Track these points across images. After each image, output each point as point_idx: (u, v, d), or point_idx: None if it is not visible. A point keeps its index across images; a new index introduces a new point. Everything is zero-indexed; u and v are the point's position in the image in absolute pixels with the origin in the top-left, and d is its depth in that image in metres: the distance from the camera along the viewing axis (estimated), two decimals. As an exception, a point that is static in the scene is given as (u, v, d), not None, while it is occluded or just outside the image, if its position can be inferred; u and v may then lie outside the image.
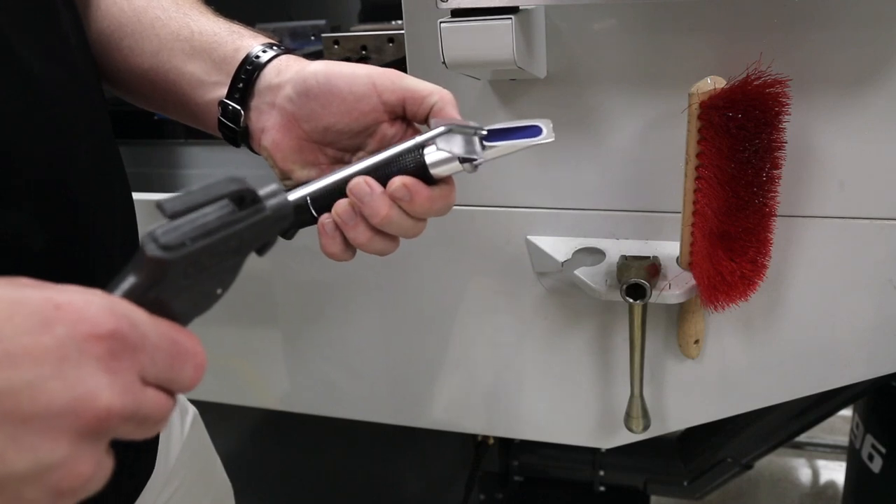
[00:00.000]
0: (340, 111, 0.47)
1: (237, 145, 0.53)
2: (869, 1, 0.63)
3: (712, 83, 0.63)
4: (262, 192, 0.36)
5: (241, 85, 0.50)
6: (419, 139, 0.45)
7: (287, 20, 1.28)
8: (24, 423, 0.28)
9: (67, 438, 0.28)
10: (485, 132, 0.45)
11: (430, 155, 0.45)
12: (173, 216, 0.33)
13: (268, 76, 0.50)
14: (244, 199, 0.35)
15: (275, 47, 0.51)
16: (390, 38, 0.99)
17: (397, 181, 0.44)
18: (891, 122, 0.67)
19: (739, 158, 0.63)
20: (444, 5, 0.63)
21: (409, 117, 0.48)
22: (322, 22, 1.28)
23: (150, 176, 1.10)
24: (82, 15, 0.54)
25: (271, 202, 0.36)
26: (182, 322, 0.34)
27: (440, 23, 0.64)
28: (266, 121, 0.50)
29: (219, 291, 0.36)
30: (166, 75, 0.53)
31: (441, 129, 0.44)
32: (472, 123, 0.45)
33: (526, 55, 0.66)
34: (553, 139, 0.45)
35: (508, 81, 0.75)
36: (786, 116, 0.63)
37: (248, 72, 0.50)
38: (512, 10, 0.63)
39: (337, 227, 0.46)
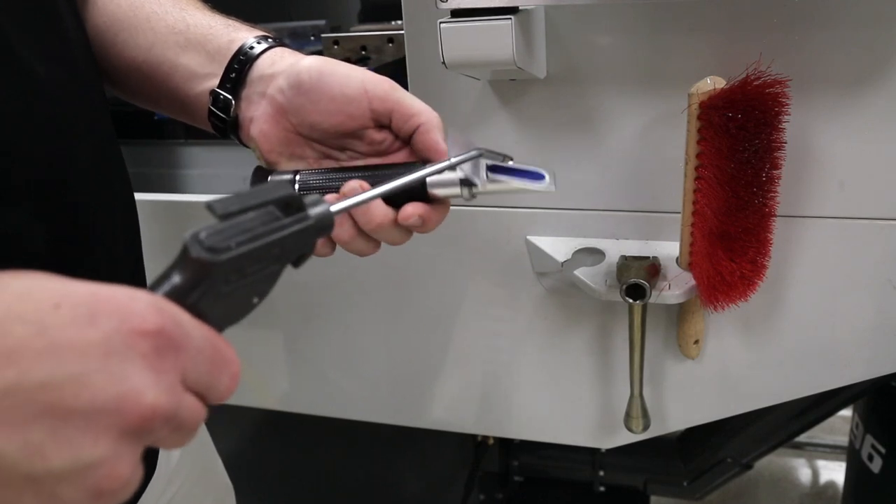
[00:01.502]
0: (329, 110, 0.47)
1: (226, 137, 0.53)
2: (869, 1, 0.64)
3: (712, 83, 0.63)
4: (305, 200, 0.36)
5: (233, 75, 0.50)
6: (448, 163, 0.45)
7: (287, 20, 1.28)
8: (65, 419, 0.26)
9: (110, 436, 0.27)
10: (511, 161, 0.46)
11: (429, 175, 0.45)
12: (224, 217, 0.33)
13: (261, 66, 0.50)
14: (290, 205, 0.35)
15: (269, 39, 0.51)
16: (390, 39, 0.99)
17: (409, 210, 0.45)
18: (891, 122, 0.67)
19: (739, 158, 0.63)
20: (443, 5, 0.63)
21: (393, 130, 0.48)
22: (322, 22, 1.28)
23: (149, 176, 1.10)
24: (80, 12, 0.54)
25: (314, 211, 0.36)
26: (217, 329, 0.34)
27: (440, 23, 0.64)
28: (255, 110, 0.50)
29: (255, 301, 0.35)
30: (159, 68, 0.53)
31: (473, 152, 0.45)
32: (477, 179, 0.46)
33: (526, 55, 0.66)
34: (554, 190, 0.46)
35: (508, 81, 0.75)
36: (786, 116, 0.63)
37: (242, 62, 0.50)
38: (512, 11, 0.63)
39: None
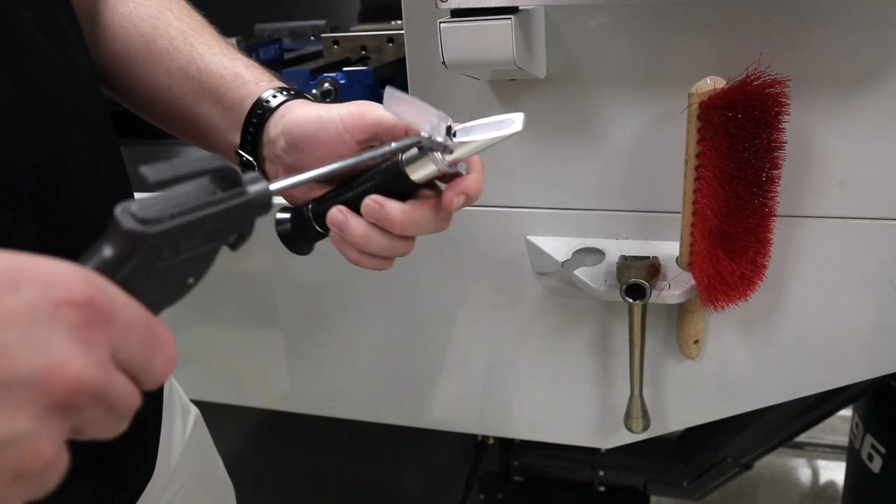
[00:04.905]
0: (322, 156, 0.48)
1: None
2: (869, 1, 0.64)
3: (712, 83, 0.63)
4: (244, 177, 0.35)
5: (249, 137, 0.52)
6: (387, 148, 0.45)
7: (287, 20, 1.28)
8: None
9: (31, 410, 0.25)
10: (454, 140, 0.45)
11: (406, 157, 0.45)
12: (157, 185, 0.31)
13: (269, 129, 0.51)
14: (227, 178, 0.34)
15: (276, 95, 0.52)
16: (390, 38, 0.99)
17: (367, 200, 0.45)
18: (891, 122, 0.67)
19: (739, 158, 0.63)
20: (443, 5, 0.63)
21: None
22: (322, 22, 1.28)
23: (150, 176, 1.10)
24: (90, 30, 0.55)
25: (253, 188, 0.35)
26: (152, 310, 0.32)
27: (440, 23, 0.64)
28: (276, 169, 0.52)
29: (191, 281, 0.34)
30: (182, 112, 0.54)
31: (414, 138, 0.44)
32: (440, 137, 0.44)
33: (526, 55, 0.66)
34: (522, 129, 0.44)
35: (508, 81, 0.75)
36: (786, 116, 0.63)
37: (255, 125, 0.51)
38: (512, 10, 0.63)
39: None
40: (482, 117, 0.46)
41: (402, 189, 0.46)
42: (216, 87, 0.53)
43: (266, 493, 1.32)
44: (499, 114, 0.46)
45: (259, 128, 0.51)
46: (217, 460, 0.74)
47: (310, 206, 0.49)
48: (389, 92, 0.42)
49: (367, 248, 0.47)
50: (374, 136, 0.48)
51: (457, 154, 0.45)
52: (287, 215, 0.51)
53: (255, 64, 0.55)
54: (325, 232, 0.49)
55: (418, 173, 0.45)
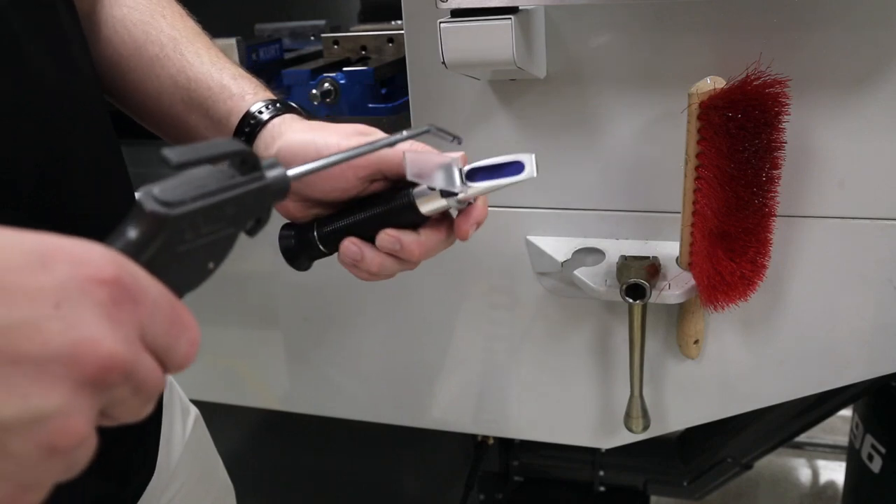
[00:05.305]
0: (323, 190, 0.48)
1: None
2: (869, 1, 0.64)
3: (712, 83, 0.63)
4: (262, 161, 0.36)
5: None
6: (391, 138, 0.45)
7: (287, 20, 1.28)
8: (15, 365, 0.25)
9: (64, 386, 0.26)
10: (460, 141, 0.45)
11: (417, 192, 0.46)
12: (178, 167, 0.32)
13: (258, 150, 0.50)
14: (245, 162, 0.35)
15: (262, 111, 0.51)
16: (390, 38, 0.99)
17: (383, 234, 0.46)
18: (891, 122, 0.67)
19: (739, 158, 0.63)
20: (443, 5, 0.63)
21: (390, 179, 0.49)
22: (322, 22, 1.28)
23: (149, 176, 1.10)
24: (87, 31, 0.55)
25: (271, 173, 0.36)
26: (174, 293, 0.32)
27: (440, 23, 0.64)
28: None
29: (211, 266, 0.35)
30: (174, 121, 0.54)
31: (423, 128, 0.45)
32: (454, 187, 0.45)
33: (526, 55, 0.66)
34: (535, 175, 0.45)
35: (508, 81, 0.75)
36: (786, 116, 0.63)
37: (243, 142, 0.51)
38: (512, 10, 0.63)
39: None
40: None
41: (410, 220, 0.47)
42: (204, 99, 0.53)
43: (266, 493, 1.32)
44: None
45: (248, 145, 0.51)
46: (217, 460, 0.74)
47: (315, 227, 0.50)
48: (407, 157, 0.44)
49: (381, 274, 0.48)
50: (376, 173, 0.47)
51: (468, 195, 0.46)
52: (291, 232, 0.51)
53: (244, 73, 0.55)
54: (329, 252, 0.50)
55: (428, 207, 0.46)
